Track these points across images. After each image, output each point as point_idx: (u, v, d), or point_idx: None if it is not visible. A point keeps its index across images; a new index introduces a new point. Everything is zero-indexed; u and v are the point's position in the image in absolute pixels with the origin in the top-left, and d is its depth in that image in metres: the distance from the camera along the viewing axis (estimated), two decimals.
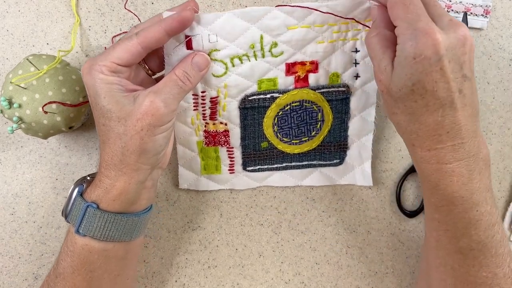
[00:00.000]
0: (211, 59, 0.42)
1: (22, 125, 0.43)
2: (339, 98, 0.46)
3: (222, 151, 0.48)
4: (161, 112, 0.37)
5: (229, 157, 0.48)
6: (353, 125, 0.48)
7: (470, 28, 0.49)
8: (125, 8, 0.48)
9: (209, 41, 0.41)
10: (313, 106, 0.46)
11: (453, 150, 0.34)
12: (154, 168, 0.40)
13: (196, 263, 0.51)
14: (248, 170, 0.49)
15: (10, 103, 0.42)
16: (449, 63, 0.33)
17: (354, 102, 0.47)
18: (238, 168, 0.49)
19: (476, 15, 0.49)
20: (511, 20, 0.50)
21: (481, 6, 0.49)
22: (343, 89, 0.46)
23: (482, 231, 0.36)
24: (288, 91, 0.45)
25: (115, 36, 0.48)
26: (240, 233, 0.51)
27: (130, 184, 0.38)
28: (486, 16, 0.49)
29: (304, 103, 0.46)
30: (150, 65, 0.42)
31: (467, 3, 0.49)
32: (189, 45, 0.40)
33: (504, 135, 0.51)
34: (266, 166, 0.49)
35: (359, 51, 0.44)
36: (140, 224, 0.41)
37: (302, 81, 0.45)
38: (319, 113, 0.47)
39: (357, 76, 0.46)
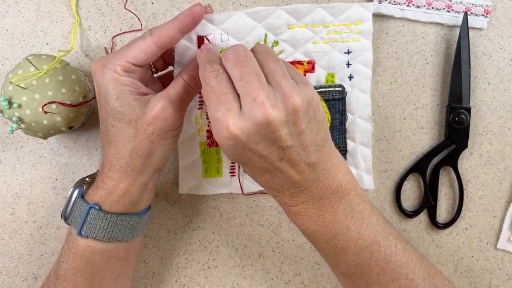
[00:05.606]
0: None
1: (22, 125, 0.43)
2: (336, 98, 0.47)
3: None
4: (173, 117, 0.37)
5: None
6: (350, 128, 0.48)
7: (471, 28, 0.49)
8: (125, 8, 0.48)
9: (221, 40, 0.43)
10: None
11: (292, 197, 0.36)
12: (156, 171, 0.40)
13: (196, 263, 0.51)
14: None
15: (10, 103, 0.42)
16: (257, 145, 0.33)
17: (349, 104, 0.48)
18: (240, 170, 0.49)
19: (476, 15, 0.49)
20: (511, 20, 0.50)
21: (481, 6, 0.49)
22: (339, 89, 0.47)
23: (355, 256, 0.37)
24: None
25: (115, 36, 0.48)
26: (240, 233, 0.51)
27: (133, 186, 0.38)
28: (486, 16, 0.49)
29: None
30: (155, 63, 0.43)
31: (467, 3, 0.48)
32: (201, 45, 0.42)
33: (504, 135, 0.51)
34: None
35: (351, 52, 0.46)
36: (141, 224, 0.41)
37: None
38: None
39: (350, 77, 0.47)
